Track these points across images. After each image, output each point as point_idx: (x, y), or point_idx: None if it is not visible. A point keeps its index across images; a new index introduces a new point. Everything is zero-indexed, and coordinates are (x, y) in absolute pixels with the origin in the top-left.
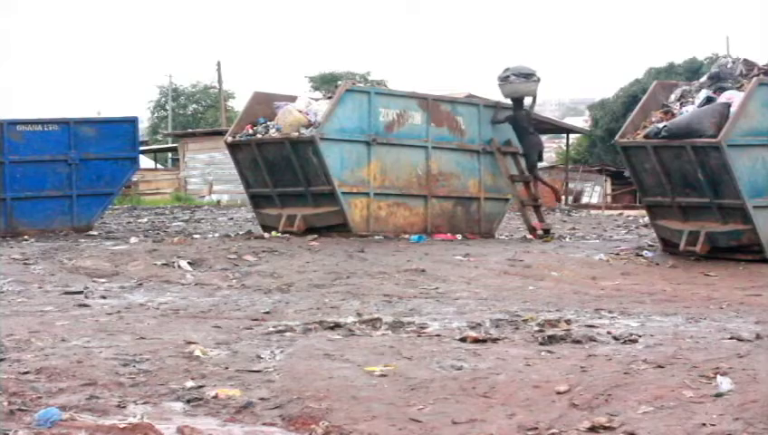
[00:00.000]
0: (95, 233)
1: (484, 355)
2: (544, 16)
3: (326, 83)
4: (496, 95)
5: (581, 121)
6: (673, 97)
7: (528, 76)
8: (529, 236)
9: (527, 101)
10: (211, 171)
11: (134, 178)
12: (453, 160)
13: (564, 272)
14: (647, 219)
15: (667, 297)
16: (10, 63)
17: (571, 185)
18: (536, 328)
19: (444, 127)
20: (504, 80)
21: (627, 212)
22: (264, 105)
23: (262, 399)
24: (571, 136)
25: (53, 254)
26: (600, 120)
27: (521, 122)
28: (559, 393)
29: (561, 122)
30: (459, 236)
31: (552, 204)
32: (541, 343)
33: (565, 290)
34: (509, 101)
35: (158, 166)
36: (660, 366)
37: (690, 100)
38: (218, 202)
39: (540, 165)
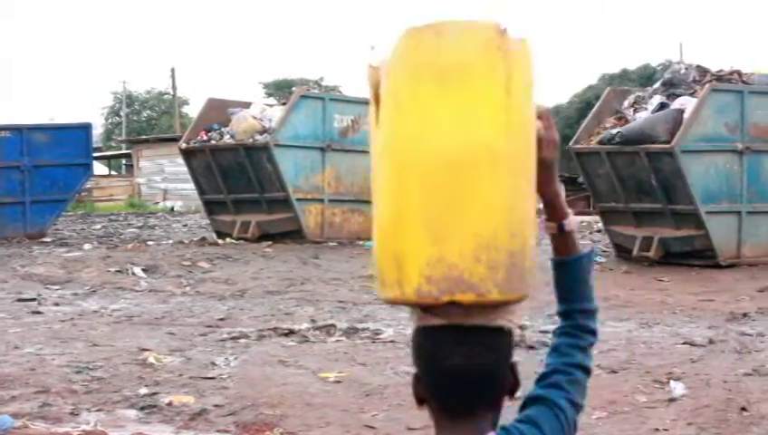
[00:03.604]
0: (48, 240)
1: None
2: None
3: (280, 90)
4: None
5: None
6: (626, 103)
7: None
8: None
9: None
10: (165, 178)
11: (88, 185)
12: None
13: None
14: (600, 225)
15: (621, 303)
16: None
17: None
18: None
19: None
20: None
21: (579, 218)
22: (219, 111)
23: (216, 406)
24: None
25: (6, 261)
26: None
27: None
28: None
29: None
30: None
31: None
32: None
33: None
34: None
35: (112, 172)
36: (614, 371)
37: (644, 106)
38: (172, 209)
39: None
